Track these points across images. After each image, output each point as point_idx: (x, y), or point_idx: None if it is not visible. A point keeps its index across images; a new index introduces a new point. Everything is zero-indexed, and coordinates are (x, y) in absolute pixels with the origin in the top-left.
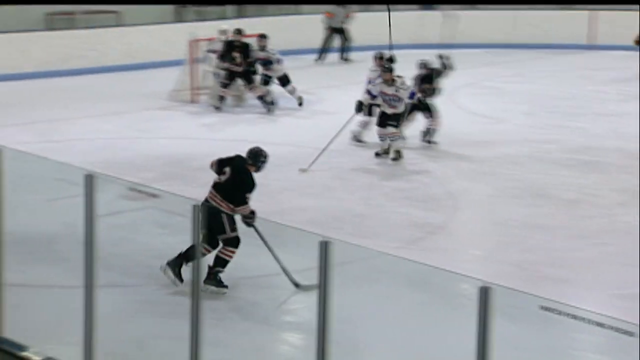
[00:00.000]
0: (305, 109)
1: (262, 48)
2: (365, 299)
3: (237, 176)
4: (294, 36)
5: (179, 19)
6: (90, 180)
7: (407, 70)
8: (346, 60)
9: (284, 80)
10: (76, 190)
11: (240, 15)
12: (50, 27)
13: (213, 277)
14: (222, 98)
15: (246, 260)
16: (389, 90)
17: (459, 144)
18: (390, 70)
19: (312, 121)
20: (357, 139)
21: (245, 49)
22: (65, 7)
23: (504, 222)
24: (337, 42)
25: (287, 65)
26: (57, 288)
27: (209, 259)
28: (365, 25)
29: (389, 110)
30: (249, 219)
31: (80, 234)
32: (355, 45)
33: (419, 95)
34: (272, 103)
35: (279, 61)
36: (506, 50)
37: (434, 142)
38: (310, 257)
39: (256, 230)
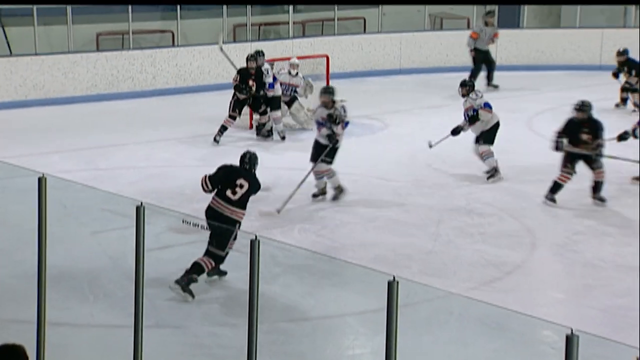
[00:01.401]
0: (367, 136)
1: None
2: (434, 343)
3: (253, 186)
4: (359, 57)
5: (236, 39)
6: (140, 212)
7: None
8: (495, 87)
9: (273, 105)
10: (123, 221)
11: (302, 35)
12: (98, 48)
13: (187, 281)
14: (223, 129)
15: (303, 301)
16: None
17: (536, 173)
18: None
19: (375, 149)
20: None
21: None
22: (114, 27)
23: (589, 261)
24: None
25: (354, 89)
26: (102, 327)
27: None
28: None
29: (323, 142)
30: None
31: (126, 269)
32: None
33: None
34: (269, 134)
35: (270, 85)
36: (593, 73)
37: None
38: (376, 298)
39: None
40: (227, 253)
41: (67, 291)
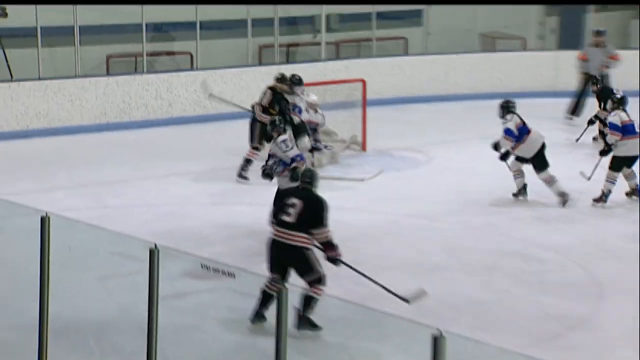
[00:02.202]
0: (409, 171)
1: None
2: None
3: (309, 202)
4: (400, 81)
5: (261, 61)
6: (154, 255)
7: None
8: (571, 118)
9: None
10: (134, 266)
11: (336, 56)
12: (108, 72)
13: (306, 321)
14: (247, 162)
15: (337, 357)
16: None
17: (603, 211)
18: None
19: (418, 185)
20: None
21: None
22: (127, 48)
23: None
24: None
25: (394, 117)
26: None
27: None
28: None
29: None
30: (333, 253)
31: (138, 319)
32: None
33: None
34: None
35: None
36: None
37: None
38: (419, 355)
39: (345, 264)
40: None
41: (71, 345)
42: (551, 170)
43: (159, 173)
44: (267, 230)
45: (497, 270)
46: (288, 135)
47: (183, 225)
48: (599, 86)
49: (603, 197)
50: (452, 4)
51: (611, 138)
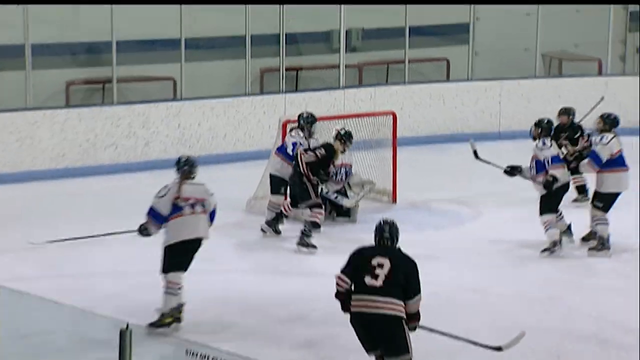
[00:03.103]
0: (452, 229)
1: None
2: None
3: (402, 264)
4: (440, 114)
5: (263, 89)
6: (125, 337)
7: None
8: None
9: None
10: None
11: (359, 83)
12: (68, 103)
13: None
14: (278, 217)
15: None
16: None
17: None
18: None
19: (463, 246)
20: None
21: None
22: (92, 73)
23: None
24: None
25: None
26: None
27: None
28: None
29: None
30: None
31: None
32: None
33: None
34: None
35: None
36: None
37: None
38: None
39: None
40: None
41: None
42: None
43: (131, 232)
44: (267, 302)
45: (566, 358)
46: None
47: (161, 298)
48: None
49: (606, 244)
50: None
51: None
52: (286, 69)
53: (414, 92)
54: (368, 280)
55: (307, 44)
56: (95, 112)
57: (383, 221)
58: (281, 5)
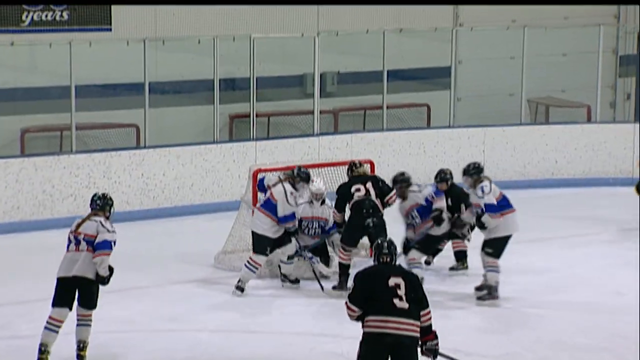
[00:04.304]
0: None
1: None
2: None
3: (412, 279)
4: (421, 163)
5: (233, 136)
6: None
7: None
8: None
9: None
10: None
11: (334, 130)
12: (23, 152)
13: None
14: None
15: None
16: None
17: None
18: None
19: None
20: None
21: None
22: (49, 120)
23: None
24: None
25: None
26: None
27: None
28: None
29: None
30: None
31: None
32: None
33: None
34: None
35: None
36: None
37: None
38: None
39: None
40: None
41: None
42: None
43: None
44: None
45: None
46: None
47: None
48: None
49: (493, 292)
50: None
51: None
52: (257, 115)
53: (393, 139)
54: (397, 302)
55: (279, 89)
56: (53, 161)
57: (381, 240)
58: (251, 49)
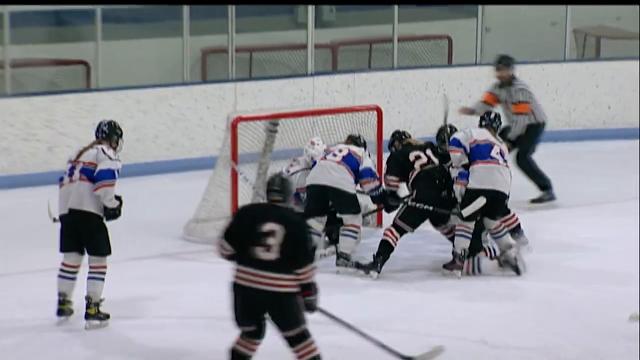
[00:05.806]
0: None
1: None
2: None
3: (294, 229)
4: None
5: (206, 77)
6: None
7: None
8: None
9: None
10: None
11: (332, 69)
12: None
13: None
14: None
15: None
16: None
17: None
18: None
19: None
20: None
21: None
22: None
23: None
24: None
25: None
26: None
27: None
28: None
29: None
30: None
31: None
32: None
33: None
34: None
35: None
36: None
37: None
38: None
39: (326, 313)
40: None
41: None
42: None
43: (32, 264)
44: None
45: None
46: None
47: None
48: None
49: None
50: None
51: None
52: (236, 50)
53: (406, 80)
54: (257, 251)
55: (264, 17)
56: None
57: (275, 175)
58: None
